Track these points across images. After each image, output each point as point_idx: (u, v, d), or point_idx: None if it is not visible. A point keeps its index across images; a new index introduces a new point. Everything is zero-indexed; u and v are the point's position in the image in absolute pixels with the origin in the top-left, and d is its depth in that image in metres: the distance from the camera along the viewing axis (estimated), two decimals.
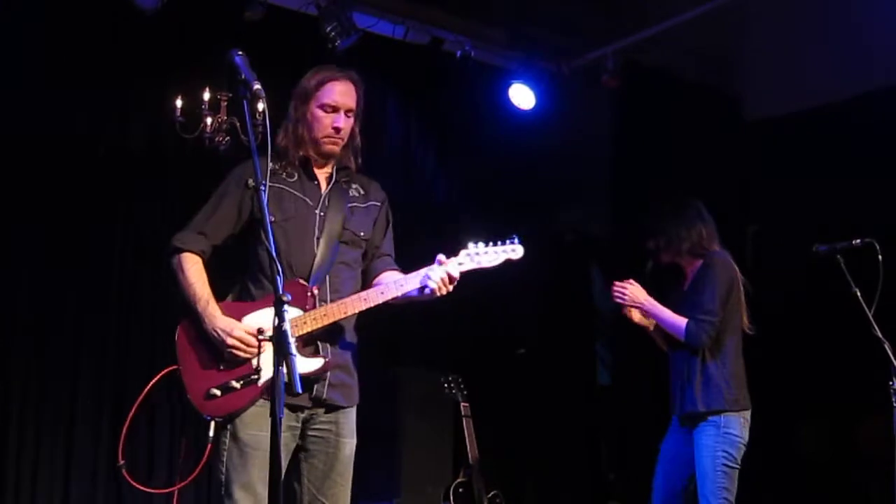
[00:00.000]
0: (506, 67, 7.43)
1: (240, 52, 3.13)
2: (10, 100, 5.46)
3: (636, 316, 5.10)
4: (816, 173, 6.79)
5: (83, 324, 5.73)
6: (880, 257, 4.61)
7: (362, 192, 3.85)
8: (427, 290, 3.58)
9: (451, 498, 5.94)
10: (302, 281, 3.57)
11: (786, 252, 5.32)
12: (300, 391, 2.78)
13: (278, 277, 2.88)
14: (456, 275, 3.61)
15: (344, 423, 3.67)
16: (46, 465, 5.52)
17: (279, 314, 2.82)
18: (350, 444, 3.69)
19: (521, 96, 7.31)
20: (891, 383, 4.43)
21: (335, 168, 3.79)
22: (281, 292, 2.85)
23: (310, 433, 3.62)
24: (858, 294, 4.74)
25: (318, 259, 3.61)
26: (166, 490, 5.10)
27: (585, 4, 7.06)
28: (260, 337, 3.44)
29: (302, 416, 3.59)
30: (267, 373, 3.43)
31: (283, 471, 3.53)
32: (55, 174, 5.66)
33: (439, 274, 3.58)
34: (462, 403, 6.15)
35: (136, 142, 5.93)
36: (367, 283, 3.80)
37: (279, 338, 2.80)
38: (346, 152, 3.78)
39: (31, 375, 5.53)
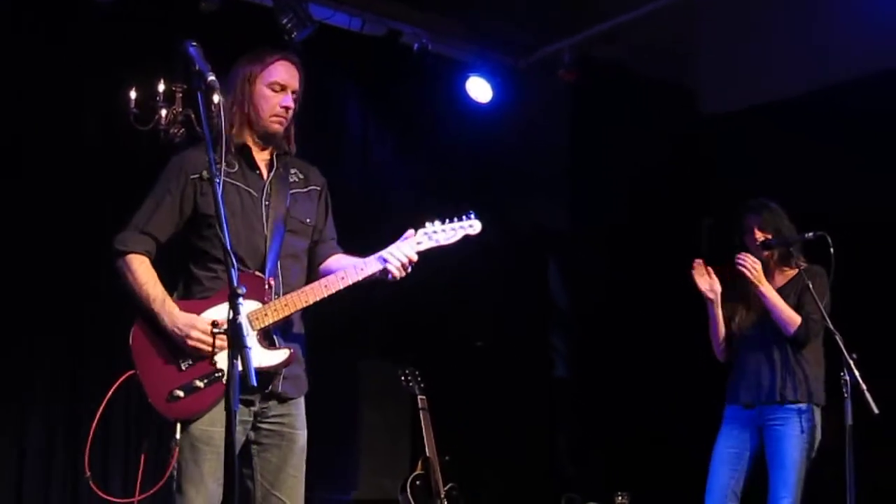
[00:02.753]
0: (463, 60, 7.43)
1: (194, 44, 3.11)
2: None
3: (703, 284, 5.11)
4: (772, 167, 6.86)
5: (36, 325, 5.61)
6: (832, 250, 4.69)
7: (301, 176, 3.79)
8: (389, 276, 3.58)
9: (409, 490, 5.94)
10: (258, 273, 3.52)
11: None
12: (255, 384, 2.76)
13: (233, 270, 2.86)
14: (414, 256, 3.60)
15: (296, 414, 3.64)
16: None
17: (234, 307, 2.80)
18: (302, 435, 3.65)
19: (478, 90, 7.32)
20: (842, 374, 4.50)
21: (275, 154, 3.73)
22: (236, 285, 2.83)
23: (262, 426, 3.58)
24: (811, 287, 4.81)
25: (269, 250, 3.56)
26: (136, 499, 5.02)
27: None
28: (215, 330, 3.39)
29: (254, 409, 3.54)
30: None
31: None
32: (5, 170, 5.55)
33: (398, 257, 3.57)
34: (419, 396, 6.14)
35: (90, 134, 5.85)
36: (312, 267, 3.78)
37: (234, 330, 2.78)
38: (285, 135, 3.73)
39: None
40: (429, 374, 6.29)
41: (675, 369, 7.07)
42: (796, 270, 5.04)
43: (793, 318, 4.91)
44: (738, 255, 4.96)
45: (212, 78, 3.04)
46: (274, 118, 3.65)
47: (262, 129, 3.66)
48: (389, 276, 3.58)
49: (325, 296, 3.55)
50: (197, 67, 3.07)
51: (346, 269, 3.59)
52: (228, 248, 2.90)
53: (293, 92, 3.68)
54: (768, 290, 4.94)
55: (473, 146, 7.51)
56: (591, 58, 7.49)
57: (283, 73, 3.66)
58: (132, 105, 5.44)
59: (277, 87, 3.64)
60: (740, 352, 5.14)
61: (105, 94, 5.74)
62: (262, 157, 3.71)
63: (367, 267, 3.59)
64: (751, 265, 4.91)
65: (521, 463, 7.44)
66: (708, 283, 5.12)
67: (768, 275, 5.12)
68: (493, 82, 7.30)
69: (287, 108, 3.65)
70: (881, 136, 6.44)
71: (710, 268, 5.14)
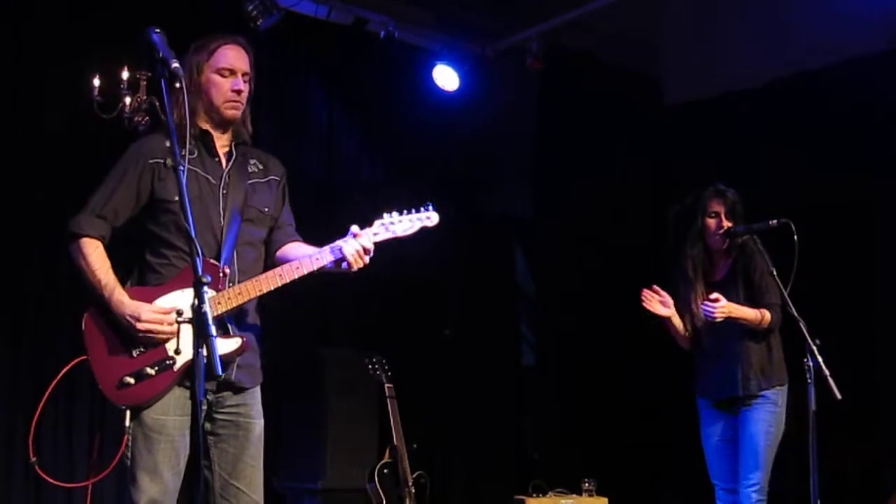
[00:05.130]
0: (430, 48, 7.42)
1: (157, 30, 3.08)
2: None
3: (659, 309, 5.14)
4: (736, 156, 6.91)
5: None
6: (795, 237, 4.72)
7: (261, 166, 3.78)
8: (344, 265, 3.56)
9: (377, 479, 5.94)
10: (213, 261, 3.50)
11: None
12: (220, 373, 2.75)
13: (198, 259, 2.85)
14: (370, 246, 3.58)
15: (252, 403, 3.62)
16: None
17: (199, 295, 2.79)
18: (259, 424, 3.64)
19: (445, 78, 7.31)
20: (805, 360, 4.53)
21: (234, 144, 3.72)
22: (200, 273, 2.82)
23: (218, 417, 3.56)
24: (774, 273, 4.85)
25: (224, 238, 3.55)
26: (81, 484, 4.98)
27: None
28: (179, 319, 3.38)
29: (208, 398, 3.52)
30: (184, 356, 3.39)
31: (186, 456, 3.49)
32: None
33: (354, 247, 3.55)
34: (387, 384, 6.14)
35: (53, 121, 5.79)
36: (269, 255, 3.77)
37: (199, 319, 2.77)
38: (243, 120, 3.72)
39: None
40: (396, 363, 6.29)
41: (642, 357, 7.11)
42: (734, 253, 5.13)
43: (763, 318, 4.97)
44: (705, 307, 4.93)
45: (175, 65, 3.03)
46: (228, 104, 3.62)
47: (218, 116, 3.65)
48: (346, 265, 3.56)
49: (280, 285, 3.54)
50: (161, 55, 3.05)
51: (301, 259, 3.58)
52: (193, 235, 2.88)
53: (244, 74, 3.65)
54: (739, 314, 4.95)
55: (440, 134, 7.51)
56: (559, 46, 7.51)
57: (230, 56, 3.63)
58: (96, 93, 5.38)
59: (226, 72, 3.61)
60: (702, 344, 5.19)
61: (68, 82, 5.68)
62: (221, 144, 3.69)
63: (322, 257, 3.57)
64: (719, 314, 4.92)
65: (488, 450, 7.46)
66: (660, 302, 5.17)
67: (714, 263, 5.20)
68: (460, 70, 7.30)
69: (239, 92, 3.63)
70: (843, 125, 6.50)
71: (654, 287, 5.17)
